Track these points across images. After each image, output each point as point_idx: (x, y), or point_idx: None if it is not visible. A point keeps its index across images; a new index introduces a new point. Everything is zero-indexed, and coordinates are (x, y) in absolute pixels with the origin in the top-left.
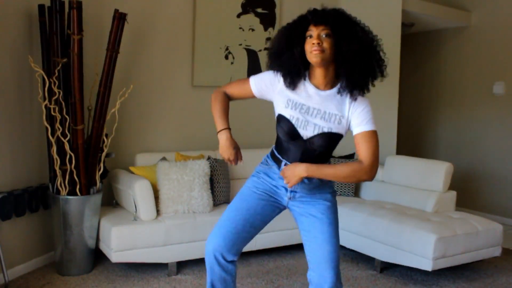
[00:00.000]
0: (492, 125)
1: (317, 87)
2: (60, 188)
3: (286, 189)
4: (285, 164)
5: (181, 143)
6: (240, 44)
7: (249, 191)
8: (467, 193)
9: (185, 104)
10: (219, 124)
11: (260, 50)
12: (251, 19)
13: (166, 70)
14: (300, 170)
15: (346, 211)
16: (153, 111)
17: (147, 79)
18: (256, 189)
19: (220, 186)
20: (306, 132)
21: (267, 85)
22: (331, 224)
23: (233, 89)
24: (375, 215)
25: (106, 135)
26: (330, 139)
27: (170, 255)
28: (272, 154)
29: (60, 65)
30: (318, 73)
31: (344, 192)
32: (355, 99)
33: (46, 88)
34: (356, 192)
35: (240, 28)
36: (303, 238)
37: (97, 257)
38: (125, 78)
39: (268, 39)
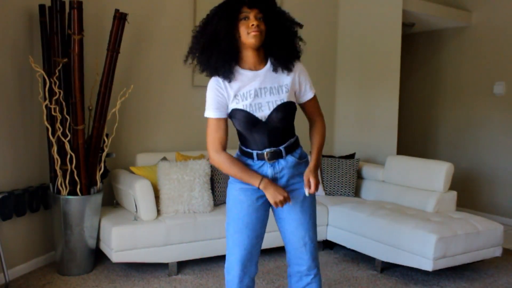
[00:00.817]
0: (492, 125)
1: (252, 69)
2: (60, 188)
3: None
4: (257, 154)
5: (182, 143)
6: None
7: (237, 208)
8: (468, 193)
9: (186, 104)
10: (254, 176)
11: None
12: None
13: (166, 70)
14: (314, 173)
15: (347, 211)
16: (153, 111)
17: (147, 79)
18: (241, 202)
19: (220, 186)
20: (263, 113)
21: (223, 99)
22: (304, 210)
23: (220, 138)
24: (376, 215)
25: (107, 135)
26: (287, 110)
27: (170, 255)
28: (241, 151)
29: (60, 65)
30: (251, 55)
31: (345, 192)
32: (292, 69)
33: (46, 88)
34: (356, 192)
35: None
36: (278, 225)
37: (98, 257)
38: (126, 78)
39: None
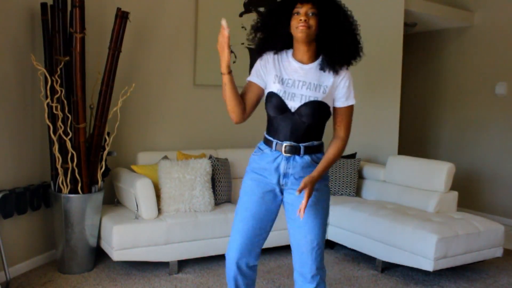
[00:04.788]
0: (494, 125)
1: (300, 61)
2: (61, 186)
3: (280, 174)
4: (276, 144)
5: (183, 142)
6: (242, 43)
7: (248, 196)
8: (469, 193)
9: (187, 103)
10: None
11: None
12: (253, 18)
13: (168, 68)
14: (309, 180)
15: (348, 211)
16: (155, 110)
17: (149, 77)
18: (253, 193)
19: (221, 185)
20: (294, 103)
21: (262, 69)
22: (317, 213)
23: (243, 97)
24: (377, 215)
25: (108, 134)
26: (317, 108)
27: (171, 253)
28: (264, 139)
29: (62, 63)
30: (302, 48)
31: (346, 192)
32: (338, 72)
33: (48, 87)
34: (357, 192)
35: (242, 27)
36: (288, 226)
37: (99, 256)
38: (127, 77)
39: None
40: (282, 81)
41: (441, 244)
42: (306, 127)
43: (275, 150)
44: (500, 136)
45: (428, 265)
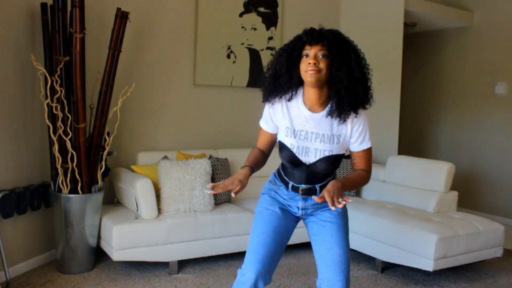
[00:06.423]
0: (494, 125)
1: (311, 109)
2: (61, 186)
3: (298, 208)
4: (292, 186)
5: (183, 142)
6: (242, 43)
7: (269, 211)
8: (469, 193)
9: (187, 103)
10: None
11: (262, 50)
12: (253, 18)
13: (168, 68)
14: (338, 185)
15: (348, 211)
16: (155, 110)
17: (149, 77)
18: (274, 207)
19: None
20: (308, 158)
21: (272, 117)
22: (341, 228)
23: (259, 142)
24: (377, 215)
25: (108, 134)
26: (333, 161)
27: (171, 253)
28: (279, 174)
29: (62, 63)
30: (312, 93)
31: (346, 192)
32: (345, 121)
33: (48, 86)
34: (357, 192)
35: (242, 27)
36: (312, 243)
37: (98, 256)
38: (127, 77)
39: (270, 38)
40: (294, 135)
41: (441, 244)
42: (321, 176)
43: (291, 190)
44: (500, 135)
45: (428, 265)
